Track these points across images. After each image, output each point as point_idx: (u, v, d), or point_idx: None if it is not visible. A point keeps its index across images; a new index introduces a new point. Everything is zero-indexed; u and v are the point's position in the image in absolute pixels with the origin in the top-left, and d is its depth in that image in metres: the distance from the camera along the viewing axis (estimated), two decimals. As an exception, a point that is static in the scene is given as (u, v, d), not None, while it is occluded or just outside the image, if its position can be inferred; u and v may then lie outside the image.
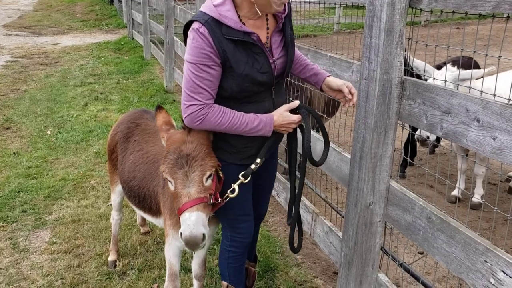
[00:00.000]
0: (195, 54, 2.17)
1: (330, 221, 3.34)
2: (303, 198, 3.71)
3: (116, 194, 3.43)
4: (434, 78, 3.65)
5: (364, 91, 2.45)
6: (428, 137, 4.10)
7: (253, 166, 2.40)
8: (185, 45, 2.30)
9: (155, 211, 2.83)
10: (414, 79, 2.34)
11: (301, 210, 3.71)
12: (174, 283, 2.78)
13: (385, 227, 2.71)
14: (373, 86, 2.38)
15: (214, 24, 2.19)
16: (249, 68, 2.25)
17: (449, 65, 4.06)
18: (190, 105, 2.21)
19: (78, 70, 10.48)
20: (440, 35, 13.41)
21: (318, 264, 3.67)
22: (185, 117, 2.24)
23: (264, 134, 2.37)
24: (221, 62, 2.21)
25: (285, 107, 2.42)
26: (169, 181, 2.25)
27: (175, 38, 8.38)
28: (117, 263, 3.59)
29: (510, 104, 1.82)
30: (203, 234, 2.12)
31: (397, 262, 2.68)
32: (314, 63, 2.69)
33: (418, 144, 4.44)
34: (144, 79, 9.64)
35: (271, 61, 2.33)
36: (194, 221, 2.12)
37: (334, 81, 2.59)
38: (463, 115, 2.02)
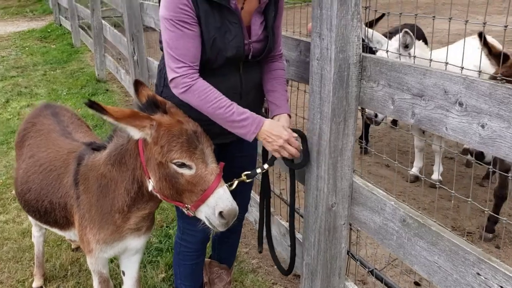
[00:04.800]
0: (172, 9, 1.94)
1: (287, 221, 2.96)
2: (255, 196, 3.31)
3: None
4: (388, 51, 3.31)
5: (318, 74, 2.05)
6: (376, 115, 3.79)
7: (258, 170, 2.16)
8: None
9: (63, 224, 2.47)
10: (376, 56, 1.96)
11: (253, 209, 3.32)
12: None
13: (350, 229, 2.35)
14: (327, 68, 1.98)
15: None
16: (220, 37, 2.01)
17: (400, 35, 3.73)
18: (175, 67, 1.99)
19: (-1, 62, 9.54)
20: (380, 5, 13.26)
21: (276, 267, 3.30)
22: (170, 82, 2.02)
23: (245, 134, 2.04)
24: (198, 20, 1.98)
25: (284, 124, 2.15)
26: (186, 166, 1.96)
27: (103, 22, 7.68)
28: (43, 290, 3.08)
29: (501, 81, 1.47)
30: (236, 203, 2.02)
31: (367, 269, 2.34)
32: (284, 95, 2.28)
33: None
34: (73, 68, 8.88)
35: (246, 41, 2.09)
36: (229, 193, 2.00)
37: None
38: (440, 97, 1.65)
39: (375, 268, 2.31)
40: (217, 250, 2.72)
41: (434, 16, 1.81)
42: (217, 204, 1.94)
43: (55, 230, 2.59)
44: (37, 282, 3.11)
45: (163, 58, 2.25)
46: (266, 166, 2.16)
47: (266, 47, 2.14)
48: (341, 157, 2.12)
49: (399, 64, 1.80)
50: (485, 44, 2.82)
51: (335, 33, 1.89)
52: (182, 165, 1.93)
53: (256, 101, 2.29)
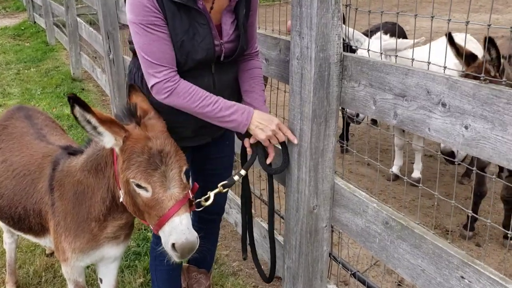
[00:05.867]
0: (137, 12, 1.85)
1: (268, 223, 2.91)
2: (234, 197, 3.25)
3: None
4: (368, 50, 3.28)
5: (298, 73, 1.99)
6: (358, 114, 3.76)
7: (236, 178, 2.09)
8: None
9: (38, 231, 2.36)
10: (357, 55, 1.92)
11: (233, 211, 3.26)
12: None
13: (332, 231, 2.31)
14: (308, 68, 1.93)
15: None
16: (188, 39, 1.94)
17: (379, 34, 3.70)
18: (153, 73, 1.91)
19: (-31, 62, 9.25)
20: (360, 2, 13.30)
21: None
22: (151, 88, 1.95)
23: (237, 127, 1.99)
24: (165, 22, 1.90)
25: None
26: (143, 188, 1.83)
27: (78, 19, 7.50)
28: (16, 298, 2.97)
29: (484, 81, 1.44)
30: (196, 237, 1.85)
31: (350, 272, 2.30)
32: (262, 95, 2.22)
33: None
34: (48, 67, 8.66)
35: (217, 42, 2.01)
36: (187, 224, 1.82)
37: None
38: (423, 98, 1.62)
39: (358, 271, 2.28)
40: (194, 254, 2.66)
41: (416, 15, 1.77)
42: (171, 234, 1.79)
43: (29, 237, 2.49)
44: (9, 290, 3.01)
45: (133, 59, 2.17)
46: (243, 172, 2.10)
47: (238, 47, 2.08)
48: (322, 158, 2.08)
49: (381, 64, 1.76)
50: (453, 44, 2.83)
51: (315, 31, 1.84)
52: (139, 185, 1.82)
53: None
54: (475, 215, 2.61)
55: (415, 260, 1.76)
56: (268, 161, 2.12)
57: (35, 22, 12.70)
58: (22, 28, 12.39)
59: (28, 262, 3.31)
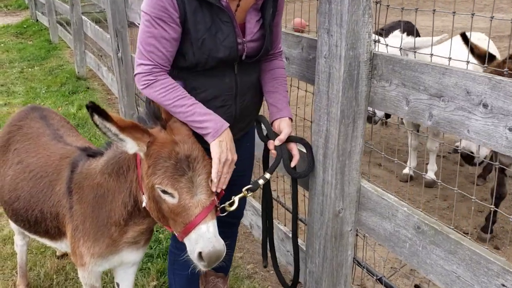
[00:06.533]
0: (151, 4, 1.84)
1: (285, 225, 2.85)
2: (250, 199, 3.19)
3: None
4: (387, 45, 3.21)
5: (325, 72, 1.93)
6: (374, 112, 3.69)
7: (261, 182, 2.00)
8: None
9: (54, 235, 2.30)
10: (389, 54, 1.85)
11: (248, 213, 3.20)
12: None
13: (357, 235, 2.25)
14: (336, 66, 1.86)
15: None
16: (210, 37, 1.88)
17: (397, 32, 3.65)
18: (141, 63, 1.90)
19: (-28, 60, 9.19)
20: None
21: (272, 272, 3.18)
22: (134, 75, 1.95)
23: (206, 134, 1.87)
24: (180, 21, 1.86)
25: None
26: (169, 194, 1.76)
27: (83, 17, 7.43)
28: (27, 301, 2.91)
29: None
30: (223, 245, 1.78)
31: (375, 277, 2.24)
32: (285, 96, 2.14)
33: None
34: (52, 65, 8.59)
35: (239, 40, 1.94)
36: (214, 232, 1.76)
37: (280, 127, 2.08)
38: (461, 98, 1.55)
39: (383, 276, 2.22)
40: (220, 263, 2.61)
41: (438, 10, 1.71)
42: (197, 242, 1.73)
43: (44, 241, 2.42)
44: (20, 292, 2.95)
45: None
46: (268, 175, 2.03)
47: (262, 47, 2.00)
48: (349, 160, 2.01)
49: (415, 63, 1.70)
50: (468, 44, 2.77)
51: (346, 29, 1.78)
52: (165, 191, 1.76)
53: (254, 103, 2.16)
54: (498, 210, 2.54)
55: (449, 266, 1.69)
56: (292, 164, 2.05)
57: (37, 20, 12.64)
58: (25, 26, 12.33)
59: (39, 264, 3.24)
